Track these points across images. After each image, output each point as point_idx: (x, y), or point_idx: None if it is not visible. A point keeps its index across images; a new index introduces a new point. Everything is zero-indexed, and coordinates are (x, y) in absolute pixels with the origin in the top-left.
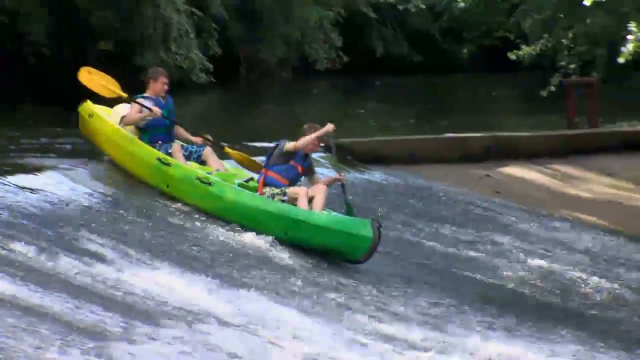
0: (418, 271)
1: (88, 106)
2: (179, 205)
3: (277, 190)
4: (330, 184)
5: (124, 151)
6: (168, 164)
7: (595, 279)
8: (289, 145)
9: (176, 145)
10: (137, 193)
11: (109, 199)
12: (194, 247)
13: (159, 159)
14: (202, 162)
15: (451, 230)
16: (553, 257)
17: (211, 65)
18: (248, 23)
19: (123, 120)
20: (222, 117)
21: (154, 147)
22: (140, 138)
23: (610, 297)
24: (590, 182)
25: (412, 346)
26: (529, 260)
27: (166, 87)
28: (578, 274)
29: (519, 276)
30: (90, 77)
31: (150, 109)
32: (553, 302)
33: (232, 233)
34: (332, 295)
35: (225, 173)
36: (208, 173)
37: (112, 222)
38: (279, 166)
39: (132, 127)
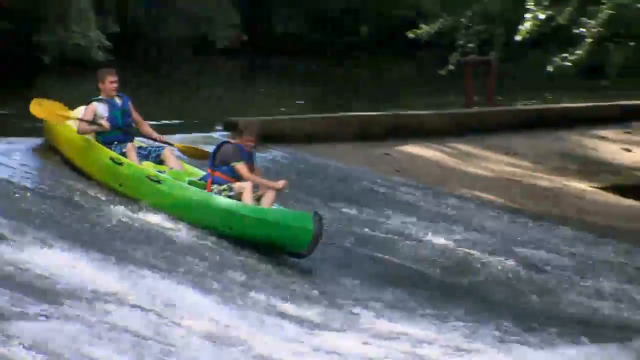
0: (318, 250)
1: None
2: (81, 185)
3: (223, 186)
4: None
5: (79, 152)
6: (120, 164)
7: (495, 256)
8: (239, 169)
9: (130, 145)
10: (40, 172)
11: (10, 177)
12: (94, 226)
13: (112, 159)
14: (161, 162)
15: (351, 209)
16: (453, 235)
17: (110, 44)
18: (147, 1)
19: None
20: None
21: (110, 147)
22: (97, 139)
23: (509, 274)
24: (489, 161)
25: (312, 324)
26: (430, 239)
27: (114, 85)
28: (478, 252)
29: (420, 254)
30: (42, 109)
31: (100, 124)
32: (453, 280)
33: (132, 212)
34: (233, 273)
35: (178, 171)
36: (161, 171)
37: (10, 201)
38: (225, 167)
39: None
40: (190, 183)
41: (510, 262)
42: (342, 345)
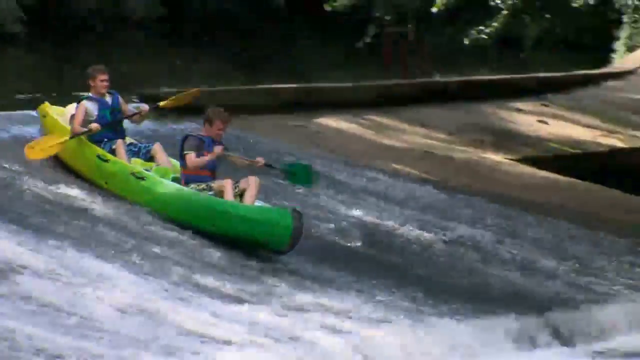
0: None
1: (43, 107)
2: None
3: (202, 185)
4: (248, 166)
5: (69, 150)
6: (106, 161)
7: (412, 229)
8: (188, 160)
9: (120, 142)
10: None
11: None
12: (12, 199)
13: (98, 156)
14: (151, 158)
15: (267, 182)
16: (369, 208)
17: (24, 16)
18: None
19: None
20: (38, 71)
21: (100, 145)
22: (88, 137)
23: (426, 247)
24: (405, 133)
25: (229, 298)
26: (346, 211)
27: (105, 83)
28: (394, 224)
29: (337, 227)
30: (35, 150)
31: (90, 129)
32: (370, 253)
33: (47, 185)
34: (151, 246)
35: (165, 168)
36: (147, 169)
37: None
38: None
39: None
40: (176, 180)
41: (427, 235)
42: (259, 317)
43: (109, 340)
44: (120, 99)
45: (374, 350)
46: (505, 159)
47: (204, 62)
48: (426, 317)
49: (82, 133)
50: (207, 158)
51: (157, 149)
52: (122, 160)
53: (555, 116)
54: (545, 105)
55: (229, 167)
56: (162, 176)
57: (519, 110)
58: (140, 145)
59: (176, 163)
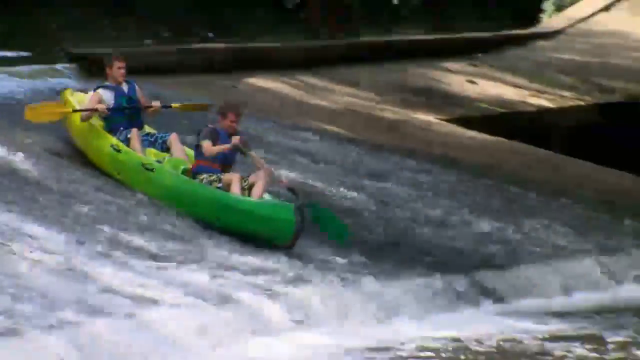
0: None
1: (65, 93)
2: None
3: (213, 177)
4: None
5: (85, 140)
6: (119, 151)
7: (341, 188)
8: (205, 147)
9: (135, 131)
10: None
11: None
12: None
13: (112, 146)
14: (167, 149)
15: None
16: (299, 168)
17: None
18: None
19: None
20: None
21: (115, 134)
22: (104, 127)
23: (356, 206)
24: (335, 93)
25: (159, 258)
26: (276, 172)
27: (122, 71)
28: (324, 184)
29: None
30: (36, 112)
31: (96, 108)
32: None
33: None
34: (82, 207)
35: (177, 159)
36: (160, 160)
37: None
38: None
39: (96, 116)
40: (187, 170)
41: (357, 194)
42: (190, 278)
43: (39, 301)
44: (137, 88)
45: (307, 311)
46: (435, 118)
47: (134, 21)
48: (357, 277)
49: (86, 109)
50: (225, 146)
51: (173, 139)
52: (136, 150)
53: (484, 76)
54: (475, 65)
55: (248, 167)
56: (175, 167)
57: (449, 70)
58: (157, 135)
59: (191, 153)
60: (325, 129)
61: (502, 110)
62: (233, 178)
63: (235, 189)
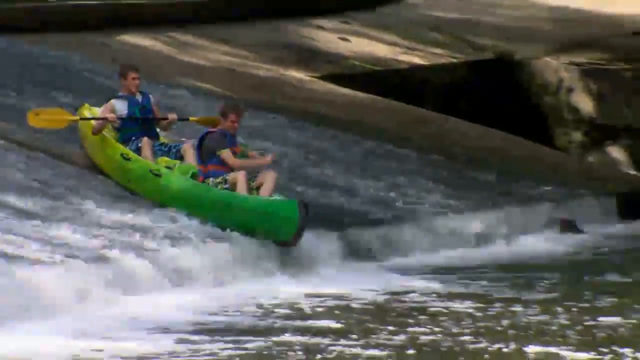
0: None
1: (82, 109)
2: None
3: (218, 179)
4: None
5: (96, 150)
6: (128, 159)
7: None
8: (226, 157)
9: (145, 139)
10: None
11: None
12: None
13: (122, 155)
14: (181, 158)
15: (69, 98)
16: (174, 127)
17: None
18: None
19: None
20: None
21: (127, 144)
22: (117, 137)
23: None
24: (207, 50)
25: (35, 217)
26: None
27: (136, 81)
28: (195, 142)
29: None
30: (40, 118)
31: (106, 118)
32: None
33: None
34: None
35: (189, 165)
36: (169, 166)
37: None
38: (216, 158)
39: (108, 127)
40: (195, 175)
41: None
42: (66, 237)
43: None
44: (152, 99)
45: (179, 268)
46: (307, 76)
47: None
48: (234, 236)
49: (95, 118)
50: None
51: (187, 147)
52: (146, 158)
53: (356, 33)
54: (347, 23)
55: None
56: (184, 173)
57: (321, 28)
58: (171, 144)
59: None
60: (198, 86)
61: (375, 68)
62: (238, 176)
63: (242, 188)
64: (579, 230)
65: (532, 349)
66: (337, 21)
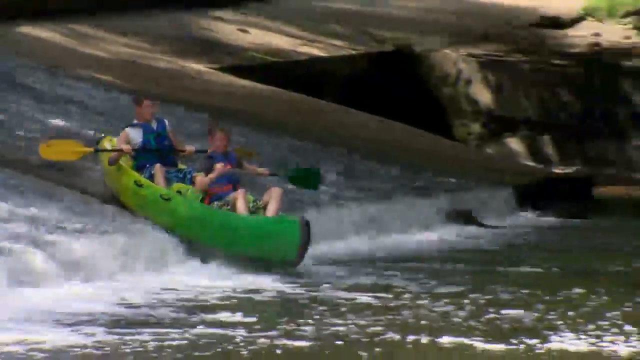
0: None
1: (103, 141)
2: None
3: (221, 202)
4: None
5: (114, 180)
6: (141, 185)
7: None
8: (197, 181)
9: (157, 166)
10: None
11: None
12: None
13: (135, 181)
14: (194, 183)
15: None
16: (73, 117)
17: None
18: None
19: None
20: None
21: (142, 172)
22: (132, 165)
23: None
24: (106, 42)
25: None
26: (47, 120)
27: (150, 109)
28: (96, 132)
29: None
30: (52, 150)
31: (120, 149)
32: None
33: None
34: None
35: (197, 190)
36: (180, 191)
37: None
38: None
39: (125, 155)
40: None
41: None
42: None
43: None
44: (168, 126)
45: (77, 261)
46: (206, 67)
47: None
48: (129, 228)
49: (109, 150)
50: (211, 176)
51: (196, 173)
52: (159, 184)
53: (256, 25)
54: (245, 14)
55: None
56: (196, 198)
57: (220, 19)
58: (186, 170)
59: None
60: (98, 78)
61: (275, 60)
62: (237, 196)
63: (241, 207)
64: (475, 222)
65: (445, 340)
66: (236, 12)
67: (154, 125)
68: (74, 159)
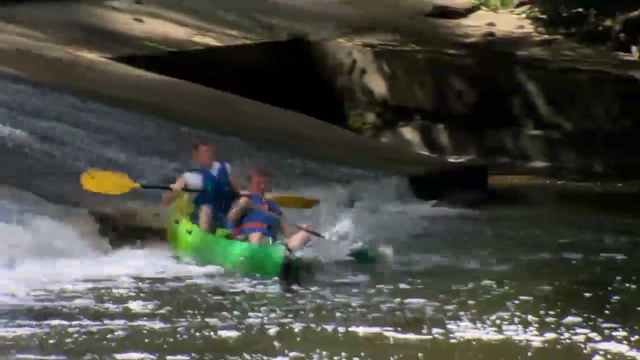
0: None
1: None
2: None
3: (242, 237)
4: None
5: (168, 221)
6: (177, 222)
7: (7, 127)
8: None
9: (204, 208)
10: None
11: None
12: None
13: (175, 220)
14: None
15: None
16: None
17: None
18: None
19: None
20: None
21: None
22: (193, 209)
23: (19, 145)
24: (0, 31)
25: None
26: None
27: (210, 154)
28: None
29: None
30: (96, 182)
31: (168, 188)
32: None
33: None
34: None
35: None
36: (227, 235)
37: None
38: (247, 216)
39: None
40: None
41: (21, 132)
42: None
43: None
44: (229, 170)
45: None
46: (101, 57)
47: None
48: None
49: (159, 187)
50: (235, 209)
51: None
52: (201, 224)
53: (151, 14)
54: (139, 3)
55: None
56: (226, 235)
57: (114, 9)
58: None
59: None
60: None
61: (170, 50)
62: (252, 237)
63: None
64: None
65: (360, 330)
66: (130, 1)
67: (215, 170)
68: (119, 193)
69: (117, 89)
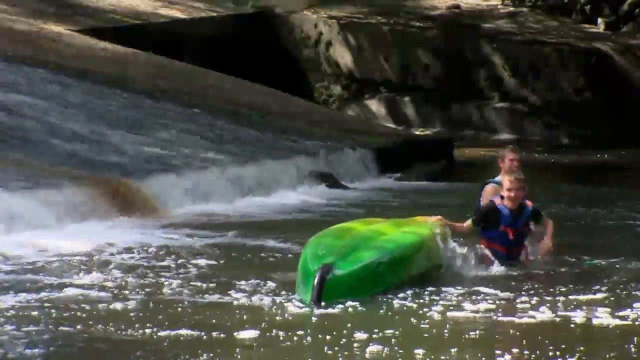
0: None
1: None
2: None
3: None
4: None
5: None
6: None
7: None
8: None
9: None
10: None
11: None
12: None
13: None
14: None
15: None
16: None
17: None
18: None
19: None
20: None
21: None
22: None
23: None
24: None
25: None
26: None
27: (515, 163)
28: None
29: None
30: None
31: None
32: None
33: None
34: None
35: None
36: None
37: None
38: (489, 232)
39: None
40: None
41: None
42: None
43: None
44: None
45: None
46: (66, 29)
47: None
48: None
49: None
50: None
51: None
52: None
53: None
54: None
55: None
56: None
57: None
58: None
59: None
60: None
61: (135, 22)
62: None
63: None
64: (336, 184)
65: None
66: None
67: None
68: None
69: (82, 61)
